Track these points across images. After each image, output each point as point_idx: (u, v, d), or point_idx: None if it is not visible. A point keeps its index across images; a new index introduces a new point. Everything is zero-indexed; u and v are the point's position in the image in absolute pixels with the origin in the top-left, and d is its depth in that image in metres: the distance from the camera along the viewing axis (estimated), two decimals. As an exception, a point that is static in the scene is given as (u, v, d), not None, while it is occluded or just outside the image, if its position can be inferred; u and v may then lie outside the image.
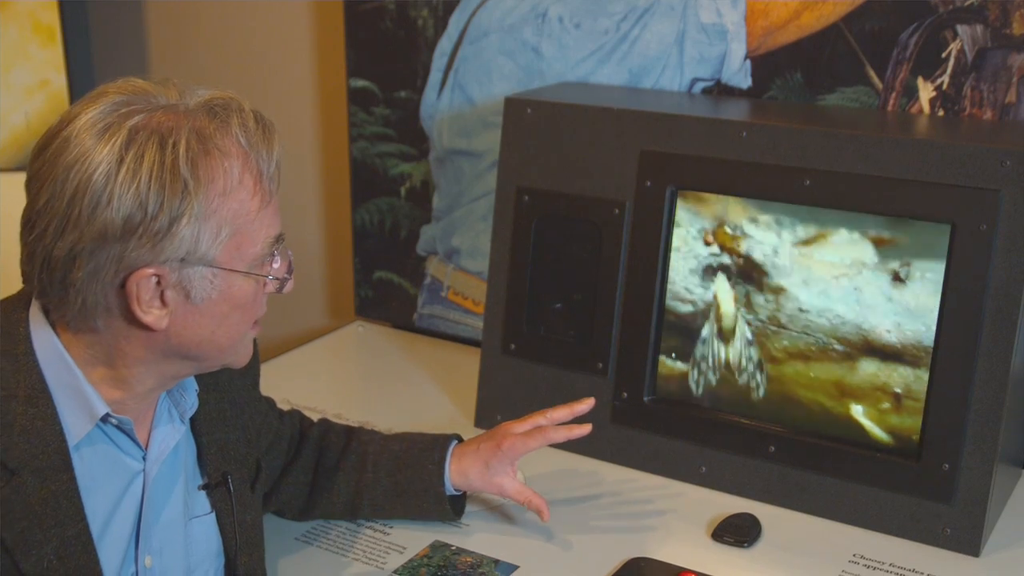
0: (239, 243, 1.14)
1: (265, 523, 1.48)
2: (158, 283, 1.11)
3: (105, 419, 1.16)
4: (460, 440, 1.59)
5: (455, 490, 1.56)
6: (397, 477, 1.54)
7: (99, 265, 1.09)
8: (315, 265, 2.48)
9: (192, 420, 1.28)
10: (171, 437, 1.23)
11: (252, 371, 1.38)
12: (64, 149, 1.08)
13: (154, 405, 1.22)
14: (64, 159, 1.08)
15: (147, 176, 1.07)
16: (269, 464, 1.50)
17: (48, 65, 2.38)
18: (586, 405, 1.55)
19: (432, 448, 1.55)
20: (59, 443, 1.12)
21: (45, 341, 1.14)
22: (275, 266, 1.20)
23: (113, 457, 1.18)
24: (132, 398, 1.18)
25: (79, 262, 1.09)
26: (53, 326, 1.15)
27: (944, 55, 1.72)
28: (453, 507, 1.57)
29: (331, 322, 2.47)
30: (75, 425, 1.14)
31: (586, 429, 1.54)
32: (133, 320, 1.12)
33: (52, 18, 2.36)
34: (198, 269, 1.12)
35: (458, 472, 1.54)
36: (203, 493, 1.29)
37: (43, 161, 1.10)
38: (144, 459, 1.21)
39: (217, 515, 1.30)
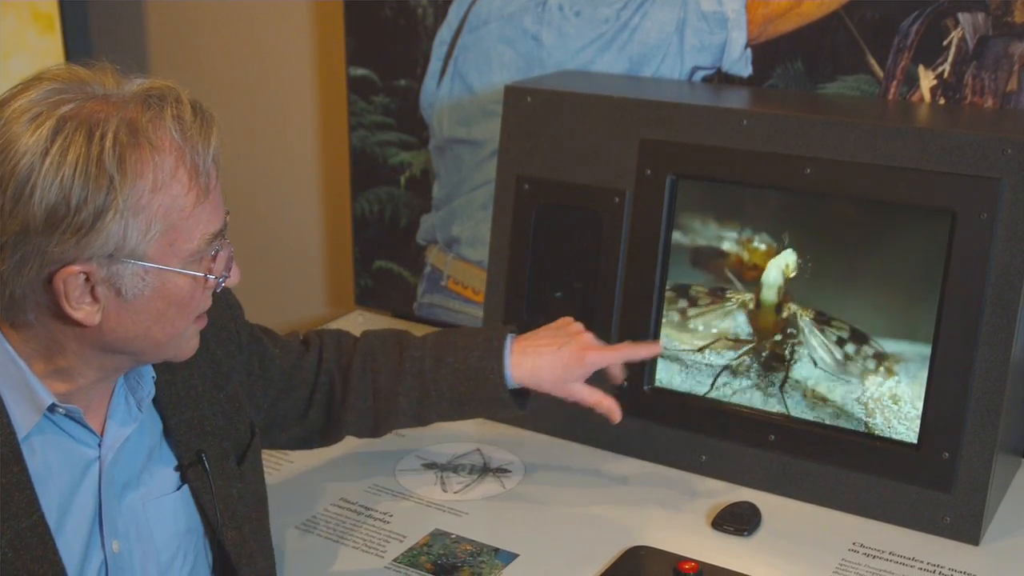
0: (172, 239, 1.10)
1: (268, 507, 1.48)
2: (87, 280, 1.09)
3: (52, 409, 1.14)
4: (515, 333, 1.56)
5: (518, 385, 1.54)
6: (460, 390, 1.54)
7: (24, 258, 1.06)
8: (315, 254, 2.48)
9: (157, 402, 1.27)
10: (127, 424, 1.21)
11: (229, 331, 1.36)
12: None
13: (109, 392, 1.21)
14: None
15: (71, 168, 1.04)
16: (291, 405, 1.52)
17: (47, 54, 2.37)
18: (659, 347, 1.62)
19: (488, 355, 1.53)
20: (7, 435, 1.11)
21: None
22: (216, 261, 1.16)
23: (66, 447, 1.17)
24: (78, 391, 1.16)
25: (3, 254, 1.06)
26: None
27: (945, 43, 1.72)
28: (518, 402, 1.56)
29: (331, 311, 2.47)
30: (22, 417, 1.12)
31: (658, 349, 1.61)
32: (64, 316, 1.10)
33: (51, 6, 2.36)
34: (128, 265, 1.09)
35: (531, 372, 1.52)
36: (165, 473, 1.27)
37: None
38: (99, 446, 1.19)
39: (195, 494, 1.28)
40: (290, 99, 2.39)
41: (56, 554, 1.13)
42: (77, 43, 2.43)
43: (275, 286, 2.49)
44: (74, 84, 1.10)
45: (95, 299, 1.10)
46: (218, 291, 1.19)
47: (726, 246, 1.69)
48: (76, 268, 1.07)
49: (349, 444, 1.81)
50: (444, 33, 2.10)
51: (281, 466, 1.73)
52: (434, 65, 2.13)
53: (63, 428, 1.16)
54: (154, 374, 1.25)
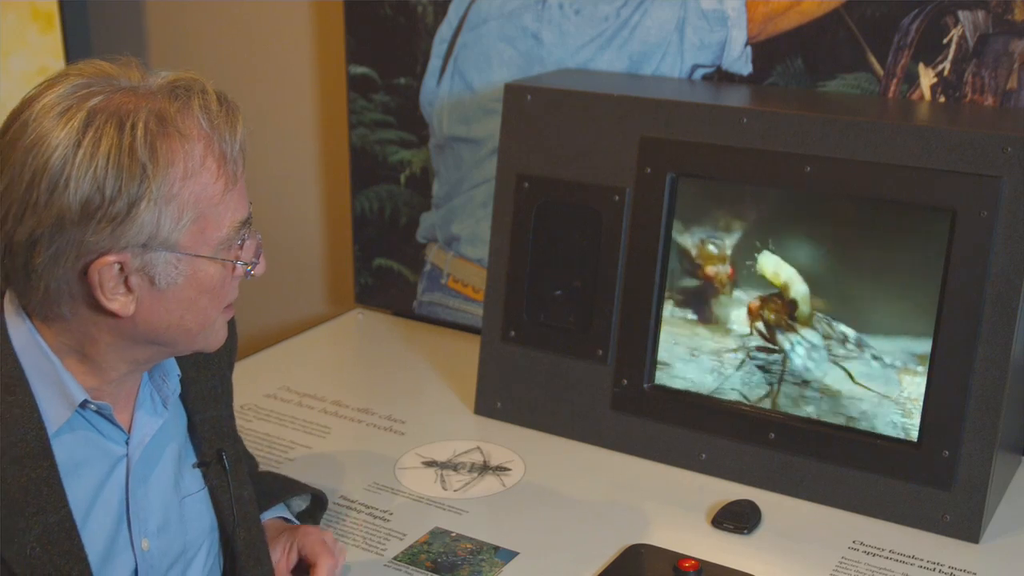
0: (203, 227, 1.12)
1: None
2: (121, 270, 1.10)
3: (84, 405, 1.15)
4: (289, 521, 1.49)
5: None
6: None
7: (59, 251, 1.08)
8: (315, 252, 2.48)
9: (184, 398, 1.28)
10: (153, 422, 1.22)
11: (231, 352, 1.37)
12: (23, 132, 1.07)
13: (135, 389, 1.22)
14: (23, 142, 1.07)
15: (104, 159, 1.06)
16: None
17: (47, 51, 2.37)
18: None
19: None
20: (38, 431, 1.12)
21: (21, 330, 1.14)
22: (244, 250, 1.18)
23: (95, 443, 1.18)
24: (107, 384, 1.17)
25: (39, 248, 1.08)
26: (28, 315, 1.14)
27: (945, 41, 1.72)
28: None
29: (331, 310, 2.47)
30: (54, 412, 1.13)
31: None
32: (99, 307, 1.11)
33: (51, 4, 2.36)
34: (161, 254, 1.10)
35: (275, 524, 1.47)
36: (194, 471, 1.28)
37: (3, 145, 1.09)
38: (127, 443, 1.20)
39: (212, 492, 1.30)
40: (290, 97, 2.39)
41: (82, 550, 1.14)
42: (77, 41, 2.44)
43: (275, 284, 2.49)
44: (100, 78, 1.11)
45: (129, 289, 1.11)
46: (248, 278, 1.20)
47: (725, 243, 1.69)
48: (111, 258, 1.09)
49: (348, 442, 1.81)
50: (444, 31, 2.10)
51: (281, 464, 1.73)
52: (434, 63, 2.13)
53: (93, 424, 1.18)
54: (179, 372, 1.26)
